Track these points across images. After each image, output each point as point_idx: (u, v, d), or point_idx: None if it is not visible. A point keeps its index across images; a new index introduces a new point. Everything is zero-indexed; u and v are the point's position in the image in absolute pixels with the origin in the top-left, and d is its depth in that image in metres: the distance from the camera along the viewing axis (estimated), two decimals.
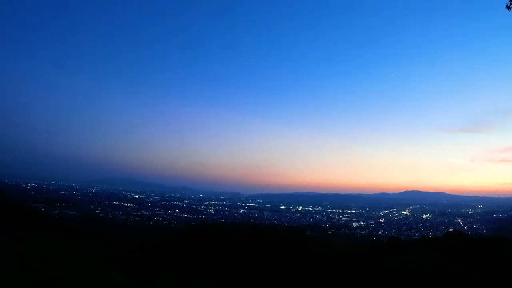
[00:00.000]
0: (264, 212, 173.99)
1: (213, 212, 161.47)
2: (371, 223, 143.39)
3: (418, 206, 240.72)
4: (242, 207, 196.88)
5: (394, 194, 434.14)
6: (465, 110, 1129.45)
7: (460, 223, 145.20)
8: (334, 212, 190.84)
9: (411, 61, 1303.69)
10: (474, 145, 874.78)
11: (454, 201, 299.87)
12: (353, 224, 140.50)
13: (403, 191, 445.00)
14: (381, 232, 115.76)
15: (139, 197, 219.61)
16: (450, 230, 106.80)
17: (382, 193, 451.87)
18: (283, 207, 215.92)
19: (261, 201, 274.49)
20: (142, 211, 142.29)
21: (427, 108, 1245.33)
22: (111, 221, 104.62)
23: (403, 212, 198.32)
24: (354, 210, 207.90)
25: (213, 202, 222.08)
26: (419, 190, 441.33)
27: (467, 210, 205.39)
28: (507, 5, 10.36)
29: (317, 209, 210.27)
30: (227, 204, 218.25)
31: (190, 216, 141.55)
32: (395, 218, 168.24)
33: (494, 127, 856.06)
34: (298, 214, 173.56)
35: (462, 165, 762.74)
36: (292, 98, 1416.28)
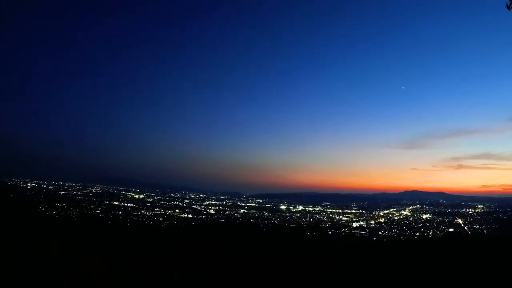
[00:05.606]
0: (264, 212, 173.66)
1: (213, 212, 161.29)
2: (371, 223, 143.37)
3: (418, 206, 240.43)
4: (242, 207, 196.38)
5: (394, 194, 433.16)
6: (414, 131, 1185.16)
7: (460, 223, 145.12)
8: (334, 212, 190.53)
9: (414, 62, 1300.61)
10: (435, 154, 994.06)
11: (454, 201, 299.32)
12: (353, 224, 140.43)
13: (403, 191, 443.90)
14: (381, 232, 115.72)
15: (139, 197, 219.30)
16: (450, 230, 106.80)
17: (382, 193, 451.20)
18: (283, 207, 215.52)
19: (261, 201, 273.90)
20: (142, 211, 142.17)
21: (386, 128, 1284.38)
22: (111, 221, 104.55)
23: (403, 212, 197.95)
24: (354, 210, 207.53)
25: (213, 202, 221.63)
26: (419, 190, 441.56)
27: (467, 210, 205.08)
28: (507, 5, 10.36)
29: (317, 209, 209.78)
30: (227, 204, 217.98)
31: (190, 216, 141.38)
32: (395, 218, 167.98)
33: (441, 144, 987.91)
34: (298, 214, 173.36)
35: (425, 170, 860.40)
36: (291, 98, 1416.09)
